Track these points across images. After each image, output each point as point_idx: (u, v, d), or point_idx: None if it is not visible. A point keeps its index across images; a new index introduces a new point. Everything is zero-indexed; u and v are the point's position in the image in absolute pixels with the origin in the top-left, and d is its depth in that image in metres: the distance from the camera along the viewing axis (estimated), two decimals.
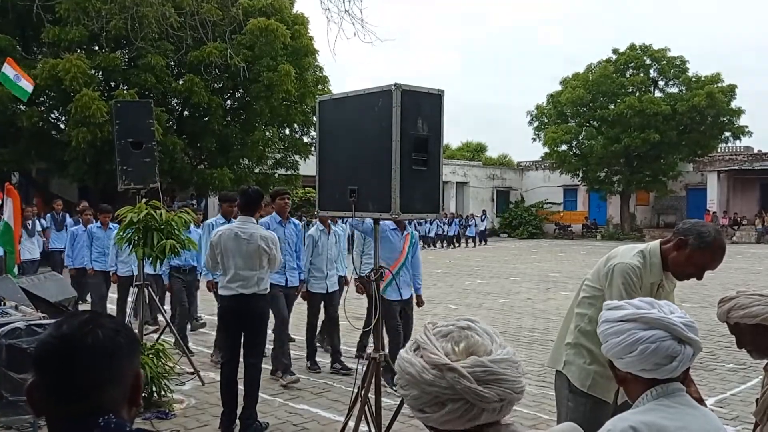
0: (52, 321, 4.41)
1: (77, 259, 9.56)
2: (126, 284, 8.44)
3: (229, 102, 21.76)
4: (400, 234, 6.37)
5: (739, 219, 33.49)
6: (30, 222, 13.01)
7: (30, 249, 12.89)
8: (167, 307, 8.73)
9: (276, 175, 22.55)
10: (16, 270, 7.02)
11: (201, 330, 8.83)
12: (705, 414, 1.69)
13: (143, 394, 5.43)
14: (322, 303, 7.02)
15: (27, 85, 8.68)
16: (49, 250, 13.44)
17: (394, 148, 3.95)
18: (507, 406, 1.32)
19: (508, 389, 1.30)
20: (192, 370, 6.44)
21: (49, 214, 13.84)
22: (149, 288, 6.50)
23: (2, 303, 5.06)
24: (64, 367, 1.18)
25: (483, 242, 31.02)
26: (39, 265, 12.94)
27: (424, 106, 4.09)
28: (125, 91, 17.43)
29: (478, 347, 1.34)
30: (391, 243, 6.28)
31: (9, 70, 8.50)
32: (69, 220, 13.44)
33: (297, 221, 6.66)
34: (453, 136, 53.75)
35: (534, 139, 35.62)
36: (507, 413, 1.34)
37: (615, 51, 34.25)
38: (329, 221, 6.97)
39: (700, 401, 2.19)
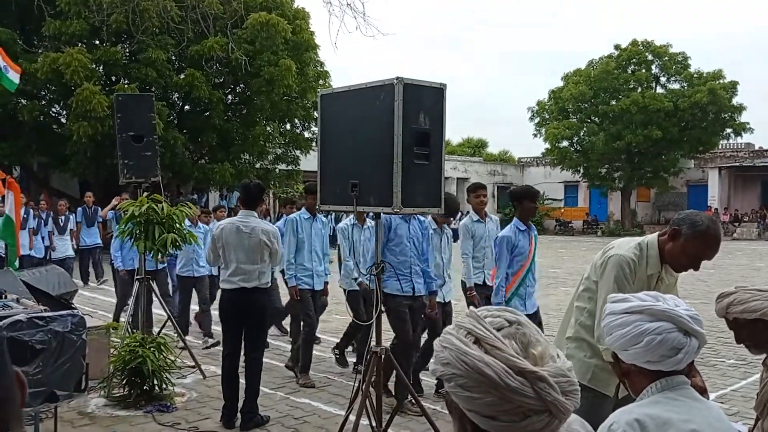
0: (61, 313, 4.42)
1: (126, 260, 8.42)
2: (188, 285, 8.13)
3: (230, 97, 21.72)
4: (527, 234, 5.33)
5: (740, 216, 33.49)
6: (62, 218, 12.39)
7: (62, 247, 12.25)
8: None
9: (277, 170, 22.53)
10: (17, 263, 7.02)
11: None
12: (709, 407, 1.69)
13: (145, 387, 5.45)
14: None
15: (15, 76, 8.49)
16: (80, 248, 12.69)
17: (395, 142, 3.95)
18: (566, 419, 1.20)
19: (576, 399, 1.16)
20: (193, 363, 6.45)
21: (79, 208, 12.99)
22: (150, 283, 6.50)
23: (3, 296, 5.05)
24: None
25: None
26: (73, 264, 12.29)
27: (426, 100, 4.08)
28: (126, 86, 17.40)
29: (546, 350, 1.18)
30: (517, 246, 5.28)
31: (13, 75, 8.35)
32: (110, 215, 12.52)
33: (422, 218, 5.70)
34: (454, 131, 53.72)
35: (535, 135, 35.61)
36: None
37: (617, 47, 34.20)
38: (449, 219, 6.08)
39: (704, 391, 2.19)
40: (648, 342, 1.64)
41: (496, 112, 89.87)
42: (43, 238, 12.32)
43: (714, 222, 2.81)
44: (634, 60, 33.63)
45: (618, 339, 1.70)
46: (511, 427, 1.14)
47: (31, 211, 12.12)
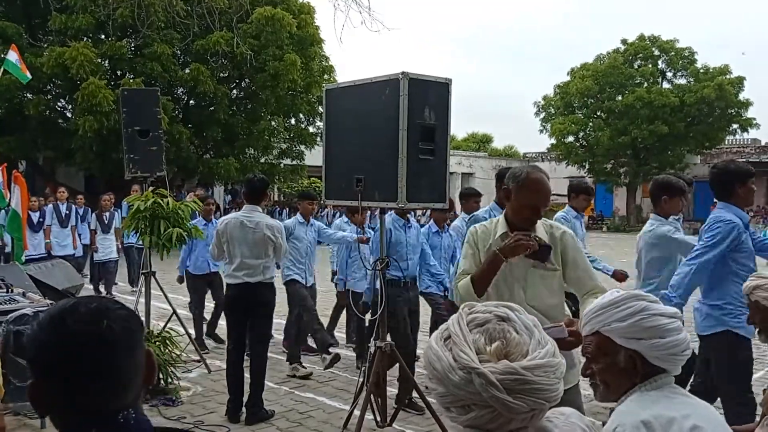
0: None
1: (196, 263, 7.40)
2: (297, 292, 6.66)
3: (234, 91, 21.72)
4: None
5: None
6: (107, 214, 10.89)
7: (106, 247, 10.87)
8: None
9: (282, 165, 22.55)
10: (23, 257, 7.05)
11: (205, 317, 8.79)
12: (700, 402, 1.70)
13: None
14: None
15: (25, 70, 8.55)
16: (124, 246, 11.33)
17: (400, 137, 3.95)
18: (539, 415, 1.23)
19: (540, 399, 1.19)
20: (198, 357, 6.48)
21: (124, 204, 11.35)
22: (155, 277, 6.50)
23: (10, 290, 5.09)
24: (78, 368, 1.07)
25: None
26: (117, 266, 11.16)
27: (431, 95, 4.08)
28: (131, 80, 17.42)
29: (514, 348, 1.22)
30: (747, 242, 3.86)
31: (12, 55, 8.46)
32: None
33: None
34: (459, 126, 53.66)
35: (541, 131, 35.52)
36: (538, 421, 1.26)
37: (624, 41, 34.06)
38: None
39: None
40: (672, 340, 1.63)
41: (501, 106, 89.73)
42: (80, 235, 11.29)
43: (534, 168, 2.87)
44: (640, 55, 33.48)
45: (678, 344, 1.64)
46: (458, 419, 1.22)
47: (74, 206, 11.24)
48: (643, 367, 1.64)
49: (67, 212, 10.93)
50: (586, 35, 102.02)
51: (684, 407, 1.60)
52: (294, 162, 22.61)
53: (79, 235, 11.31)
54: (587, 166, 34.31)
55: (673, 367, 1.65)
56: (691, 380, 4.16)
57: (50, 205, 11.00)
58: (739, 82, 31.49)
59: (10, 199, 6.92)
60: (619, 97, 32.42)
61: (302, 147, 22.28)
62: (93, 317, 1.09)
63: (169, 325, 6.29)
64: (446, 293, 5.94)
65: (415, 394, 5.09)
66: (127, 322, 1.13)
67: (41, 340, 1.10)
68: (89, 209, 11.75)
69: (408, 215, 5.61)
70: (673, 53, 33.11)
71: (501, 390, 1.16)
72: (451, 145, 4.46)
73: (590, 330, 1.71)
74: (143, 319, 6.32)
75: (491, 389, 1.16)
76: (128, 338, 1.12)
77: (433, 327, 5.62)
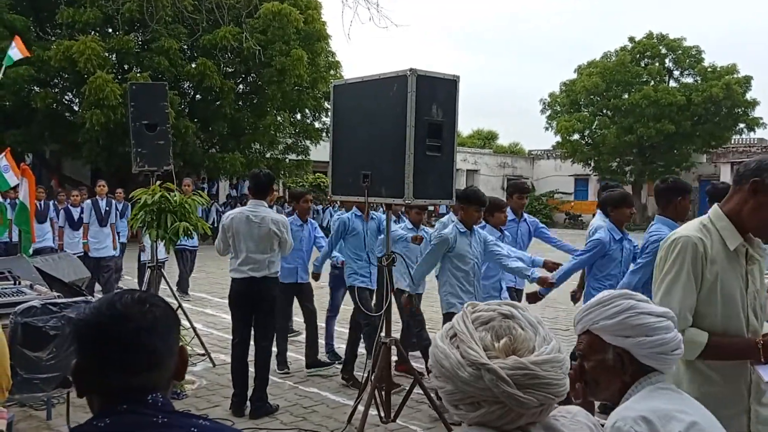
0: (74, 299, 4.47)
1: (284, 270, 6.12)
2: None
3: (241, 86, 21.73)
4: None
5: None
6: None
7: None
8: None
9: (287, 160, 22.56)
10: (31, 250, 7.09)
11: (210, 312, 8.84)
12: (690, 398, 1.73)
13: None
14: None
15: (16, 54, 8.19)
16: (178, 247, 9.30)
17: (408, 133, 3.96)
18: (547, 410, 1.25)
19: (549, 393, 1.21)
20: (203, 351, 6.50)
21: None
22: (161, 270, 6.54)
23: (18, 282, 5.11)
24: (125, 343, 1.21)
25: None
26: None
27: (439, 92, 4.09)
28: (138, 74, 17.45)
29: (521, 344, 1.24)
30: None
31: (15, 52, 8.30)
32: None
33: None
34: (464, 123, 53.56)
35: (546, 128, 35.42)
36: (546, 416, 1.27)
37: (631, 39, 33.94)
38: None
39: None
40: (659, 338, 1.64)
41: (507, 103, 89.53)
42: (119, 233, 10.17)
43: None
44: (648, 53, 33.35)
45: (667, 342, 1.66)
46: (468, 416, 1.23)
47: (114, 202, 10.21)
48: (631, 365, 1.66)
49: (107, 208, 9.88)
50: (593, 33, 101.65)
51: (678, 402, 1.63)
52: (299, 157, 22.61)
53: (118, 233, 10.17)
54: (593, 164, 34.22)
55: (663, 366, 1.67)
56: None
57: (88, 201, 9.99)
58: (747, 81, 31.37)
59: (18, 190, 6.96)
60: (626, 95, 32.30)
61: (307, 142, 22.28)
62: (138, 302, 1.26)
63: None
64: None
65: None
66: (166, 310, 1.29)
67: (92, 320, 1.24)
68: (129, 205, 10.35)
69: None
70: (680, 52, 32.98)
71: (511, 385, 1.18)
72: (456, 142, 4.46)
73: (582, 329, 1.74)
74: None
75: (502, 385, 1.18)
76: (165, 324, 1.27)
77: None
